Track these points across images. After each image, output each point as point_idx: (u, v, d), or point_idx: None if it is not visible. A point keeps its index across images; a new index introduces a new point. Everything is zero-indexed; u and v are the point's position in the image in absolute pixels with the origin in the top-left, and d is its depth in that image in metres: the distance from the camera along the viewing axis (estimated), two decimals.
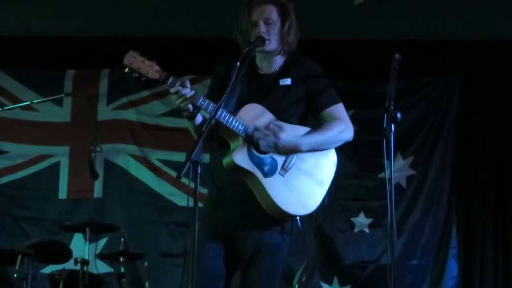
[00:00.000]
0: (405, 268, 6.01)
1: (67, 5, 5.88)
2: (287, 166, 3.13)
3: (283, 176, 3.12)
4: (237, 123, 3.08)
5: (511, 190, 6.21)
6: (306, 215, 3.15)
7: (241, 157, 3.07)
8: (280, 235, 3.14)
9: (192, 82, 6.20)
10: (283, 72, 3.28)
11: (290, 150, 3.13)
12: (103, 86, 6.40)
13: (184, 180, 2.89)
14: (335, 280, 6.10)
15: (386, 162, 2.94)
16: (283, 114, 3.18)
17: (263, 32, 3.19)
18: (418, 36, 6.15)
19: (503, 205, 6.22)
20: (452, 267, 6.10)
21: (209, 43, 6.01)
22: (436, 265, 6.13)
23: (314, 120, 3.30)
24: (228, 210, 3.18)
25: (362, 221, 6.21)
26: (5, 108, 5.42)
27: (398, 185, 6.13)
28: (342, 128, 3.22)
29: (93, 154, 4.80)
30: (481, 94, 6.31)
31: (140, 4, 5.89)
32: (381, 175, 6.01)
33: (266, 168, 3.09)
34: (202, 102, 3.04)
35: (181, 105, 3.05)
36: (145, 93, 6.36)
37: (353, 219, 6.22)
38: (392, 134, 2.93)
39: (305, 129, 3.21)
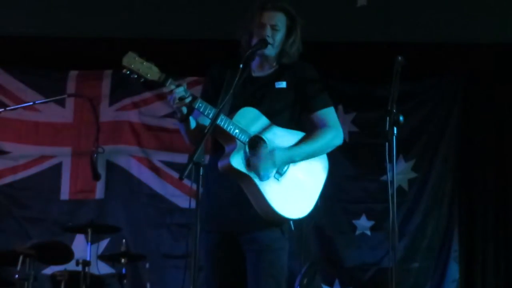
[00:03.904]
0: (406, 271, 6.00)
1: (69, 5, 5.88)
2: (282, 171, 3.19)
3: (278, 180, 3.18)
4: (234, 127, 3.11)
5: None
6: (299, 218, 3.20)
7: (238, 161, 3.11)
8: (281, 235, 3.20)
9: (194, 84, 6.26)
10: (278, 75, 3.32)
11: (286, 163, 3.20)
12: (106, 87, 6.39)
13: (186, 181, 2.89)
14: (337, 282, 6.09)
15: (388, 164, 2.94)
16: (278, 117, 3.25)
17: (268, 36, 3.24)
18: (421, 38, 6.15)
19: (505, 208, 6.21)
20: (454, 270, 6.09)
21: (210, 44, 6.01)
22: (437, 268, 6.12)
23: (308, 122, 3.36)
24: (228, 213, 3.21)
25: (363, 223, 6.20)
26: (7, 108, 5.40)
27: (400, 188, 6.12)
28: (333, 135, 3.30)
29: (95, 155, 4.78)
30: (483, 97, 6.31)
31: (142, 5, 5.89)
32: (383, 177, 6.01)
33: (262, 172, 3.13)
34: (200, 105, 3.07)
35: (177, 105, 3.06)
36: (147, 94, 6.36)
37: (354, 222, 6.21)
38: (394, 136, 2.93)
39: (298, 135, 3.28)
